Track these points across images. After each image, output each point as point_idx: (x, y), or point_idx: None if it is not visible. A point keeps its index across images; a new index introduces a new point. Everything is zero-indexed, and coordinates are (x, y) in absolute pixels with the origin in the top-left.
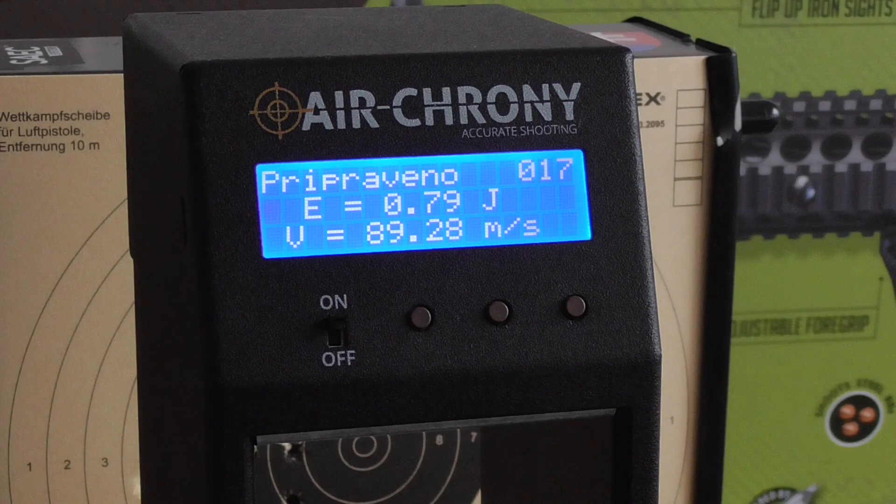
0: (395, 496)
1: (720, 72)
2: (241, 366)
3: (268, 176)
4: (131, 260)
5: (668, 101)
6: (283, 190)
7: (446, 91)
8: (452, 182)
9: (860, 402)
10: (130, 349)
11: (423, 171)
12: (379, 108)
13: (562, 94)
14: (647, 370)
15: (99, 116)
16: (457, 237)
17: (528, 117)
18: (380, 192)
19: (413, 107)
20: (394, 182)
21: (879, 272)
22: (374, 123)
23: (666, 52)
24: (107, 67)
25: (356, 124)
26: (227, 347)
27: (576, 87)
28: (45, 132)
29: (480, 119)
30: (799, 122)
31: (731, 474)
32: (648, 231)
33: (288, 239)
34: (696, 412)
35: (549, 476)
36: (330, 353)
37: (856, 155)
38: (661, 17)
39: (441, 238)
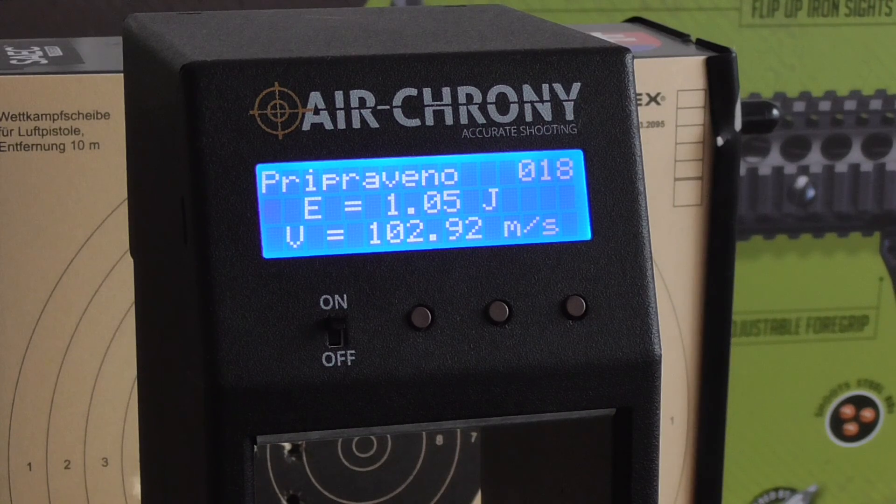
0: (395, 496)
1: (720, 72)
2: (241, 366)
3: (268, 176)
4: (131, 260)
5: (668, 101)
6: (283, 190)
7: (446, 91)
8: (452, 182)
9: (860, 402)
10: (130, 349)
11: (423, 171)
12: (379, 108)
13: (562, 94)
14: (647, 370)
15: (99, 116)
16: (457, 237)
17: (528, 117)
18: (380, 192)
19: (413, 107)
20: (394, 182)
21: (879, 272)
22: (374, 123)
23: (666, 52)
24: (107, 67)
25: (356, 124)
26: (227, 347)
27: (576, 86)
28: (45, 132)
29: (480, 119)
30: (799, 122)
31: (731, 474)
32: (648, 231)
33: (288, 239)
34: (696, 412)
35: (549, 476)
36: (330, 353)
37: (856, 155)
38: (661, 17)
39: (441, 238)
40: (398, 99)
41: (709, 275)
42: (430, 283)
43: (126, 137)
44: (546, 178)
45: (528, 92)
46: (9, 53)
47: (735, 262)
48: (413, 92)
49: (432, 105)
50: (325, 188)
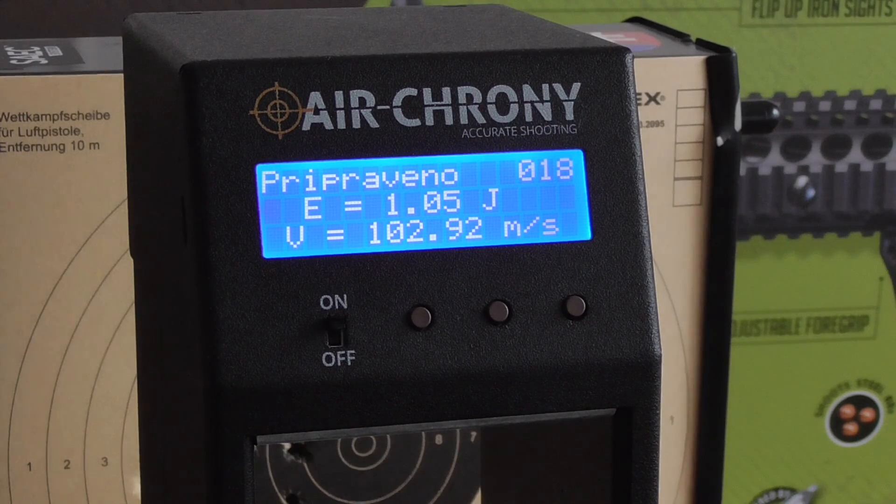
0: (395, 496)
1: (720, 72)
2: (241, 366)
3: (268, 176)
4: (131, 260)
5: (668, 101)
6: (284, 190)
7: (446, 91)
8: (452, 182)
9: (860, 402)
10: (130, 349)
11: (423, 171)
12: (379, 108)
13: (562, 94)
14: (647, 370)
15: (99, 116)
16: (457, 237)
17: (529, 117)
18: (380, 192)
19: (413, 107)
20: (394, 182)
21: (879, 272)
22: (374, 123)
23: (666, 52)
24: (107, 67)
25: (356, 124)
26: (227, 347)
27: (576, 86)
28: (45, 132)
29: (480, 119)
30: (799, 122)
31: (731, 474)
32: (648, 231)
33: (288, 239)
34: (696, 412)
35: (549, 476)
36: (330, 353)
37: (856, 155)
38: (661, 17)
39: (441, 238)
40: (398, 99)
41: (709, 275)
42: (430, 283)
43: (126, 137)
44: (546, 178)
45: (528, 92)
46: (9, 53)
47: (735, 262)
48: (413, 92)
49: (432, 105)
50: (325, 188)
